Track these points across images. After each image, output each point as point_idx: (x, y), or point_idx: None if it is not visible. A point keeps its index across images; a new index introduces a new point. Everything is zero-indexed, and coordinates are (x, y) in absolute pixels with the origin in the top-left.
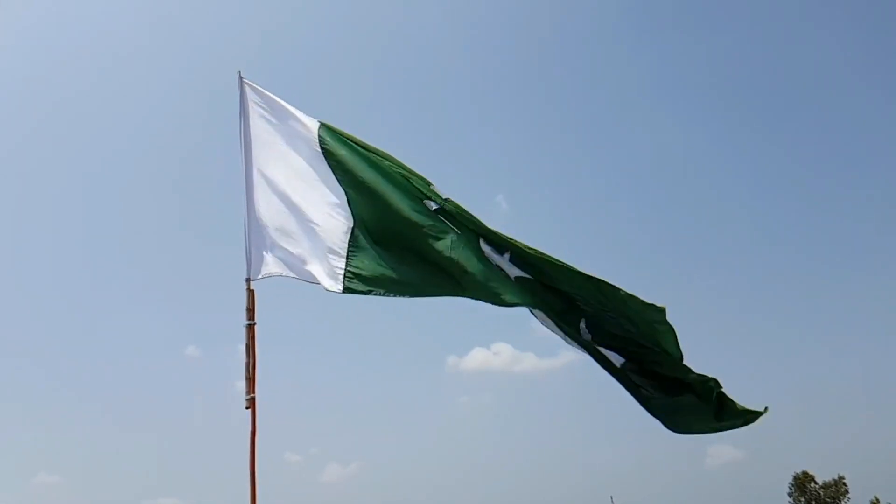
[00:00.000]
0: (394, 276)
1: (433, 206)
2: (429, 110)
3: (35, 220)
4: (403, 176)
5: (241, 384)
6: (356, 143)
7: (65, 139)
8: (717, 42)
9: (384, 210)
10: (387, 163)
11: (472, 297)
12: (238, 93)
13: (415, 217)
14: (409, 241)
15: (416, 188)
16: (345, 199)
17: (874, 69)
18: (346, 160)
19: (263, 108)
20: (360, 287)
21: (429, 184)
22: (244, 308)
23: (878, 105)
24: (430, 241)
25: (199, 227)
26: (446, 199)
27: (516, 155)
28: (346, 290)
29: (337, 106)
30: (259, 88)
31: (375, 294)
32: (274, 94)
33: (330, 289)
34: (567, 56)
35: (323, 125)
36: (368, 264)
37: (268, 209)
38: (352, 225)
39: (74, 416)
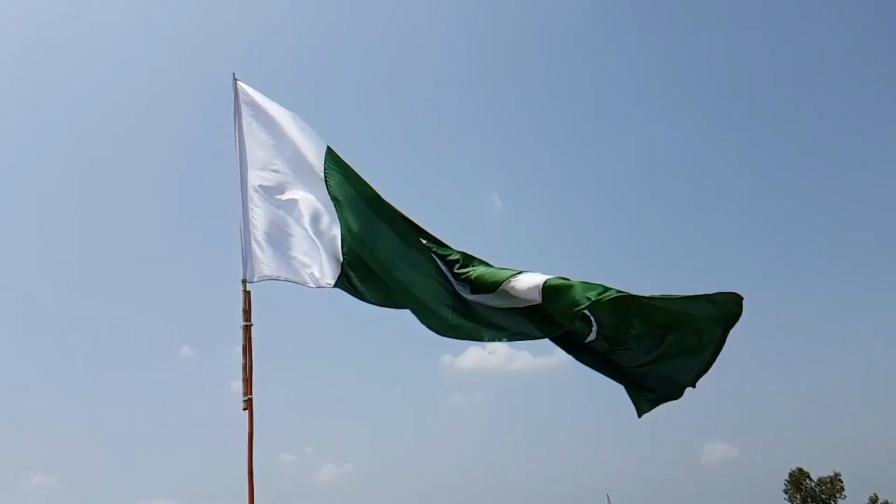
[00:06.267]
0: (384, 285)
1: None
2: (425, 110)
3: (30, 220)
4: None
5: (237, 385)
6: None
7: (62, 139)
8: (710, 42)
9: (373, 224)
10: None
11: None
12: (233, 94)
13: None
14: (397, 257)
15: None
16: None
17: (863, 68)
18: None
19: (258, 110)
20: (355, 292)
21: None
22: (240, 309)
23: (869, 105)
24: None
25: (196, 228)
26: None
27: (511, 154)
28: (341, 287)
29: (332, 107)
30: (253, 90)
31: (367, 301)
32: (270, 96)
33: (328, 285)
34: (562, 55)
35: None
36: (362, 270)
37: (264, 210)
38: (342, 229)
39: (69, 417)
